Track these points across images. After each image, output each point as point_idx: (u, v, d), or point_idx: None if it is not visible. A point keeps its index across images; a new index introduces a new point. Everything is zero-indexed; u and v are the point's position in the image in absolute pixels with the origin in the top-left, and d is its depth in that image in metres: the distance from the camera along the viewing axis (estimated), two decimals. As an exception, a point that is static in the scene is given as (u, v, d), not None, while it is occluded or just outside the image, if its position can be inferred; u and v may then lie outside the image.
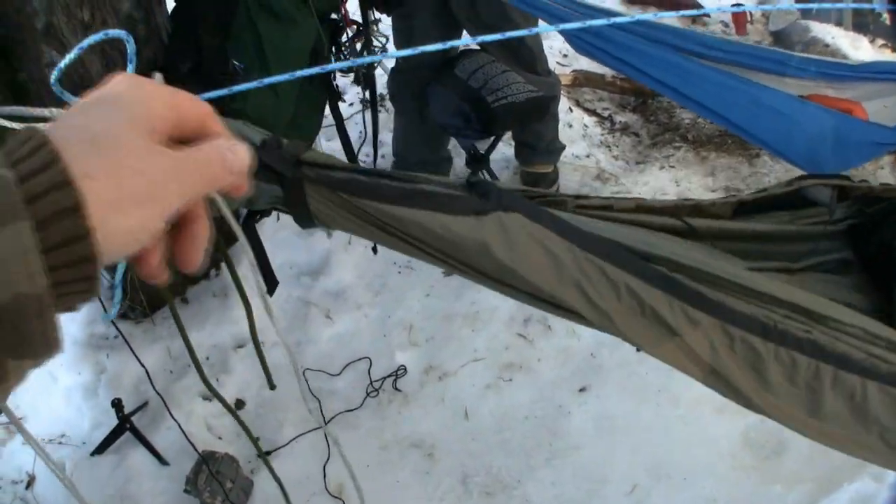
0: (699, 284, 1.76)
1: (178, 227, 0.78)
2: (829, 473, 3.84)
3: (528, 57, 4.84)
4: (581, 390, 4.21)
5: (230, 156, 0.78)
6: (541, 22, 3.95)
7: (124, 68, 2.81)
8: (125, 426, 3.93)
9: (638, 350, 1.91)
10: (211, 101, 1.98)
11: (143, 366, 3.56)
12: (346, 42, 4.28)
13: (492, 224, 1.55)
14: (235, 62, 3.39)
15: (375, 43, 4.40)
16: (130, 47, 1.07)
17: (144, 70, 1.94)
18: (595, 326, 1.79)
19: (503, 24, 4.52)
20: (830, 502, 3.75)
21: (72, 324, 4.54)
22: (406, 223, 1.48)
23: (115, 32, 1.06)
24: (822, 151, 3.74)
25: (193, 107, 0.81)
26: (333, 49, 4.24)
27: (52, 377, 4.35)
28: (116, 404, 3.87)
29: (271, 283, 3.95)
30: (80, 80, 3.29)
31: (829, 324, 1.90)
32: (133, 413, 4.03)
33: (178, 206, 0.72)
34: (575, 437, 4.05)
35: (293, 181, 1.34)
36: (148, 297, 4.56)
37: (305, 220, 1.50)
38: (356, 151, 4.34)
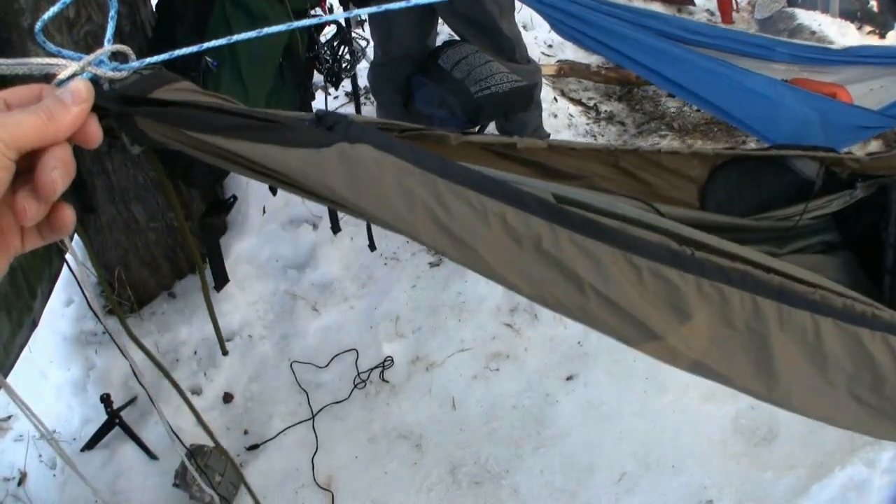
0: (597, 215, 1.52)
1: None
2: (821, 459, 3.83)
3: (507, 46, 4.85)
4: (568, 378, 4.21)
5: (55, 107, 0.93)
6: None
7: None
8: (114, 422, 3.93)
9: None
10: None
11: (143, 350, 3.55)
12: (324, 42, 4.28)
13: (332, 155, 1.40)
14: (209, 59, 3.39)
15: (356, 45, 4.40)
16: (113, 7, 1.09)
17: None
18: (464, 264, 1.52)
19: (477, 12, 4.54)
20: (822, 488, 3.73)
21: (61, 320, 4.55)
22: (240, 156, 1.37)
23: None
24: (807, 134, 3.74)
25: (24, 87, 0.98)
26: (315, 48, 4.24)
27: (42, 374, 4.35)
28: (105, 400, 3.87)
29: (222, 280, 3.95)
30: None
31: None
32: (122, 409, 4.03)
33: (7, 153, 0.87)
34: (562, 426, 4.05)
35: (120, 115, 1.29)
36: (136, 293, 4.56)
37: (150, 142, 1.42)
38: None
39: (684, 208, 2.31)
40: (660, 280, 1.52)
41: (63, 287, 4.53)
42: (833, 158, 2.46)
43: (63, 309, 4.62)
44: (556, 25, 3.90)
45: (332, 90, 4.89)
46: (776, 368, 1.65)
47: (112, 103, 1.17)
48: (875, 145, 6.08)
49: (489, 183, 1.45)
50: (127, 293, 4.53)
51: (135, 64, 1.13)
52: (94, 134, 1.01)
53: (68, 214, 0.98)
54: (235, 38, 1.28)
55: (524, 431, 4.04)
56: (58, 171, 0.91)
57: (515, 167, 1.96)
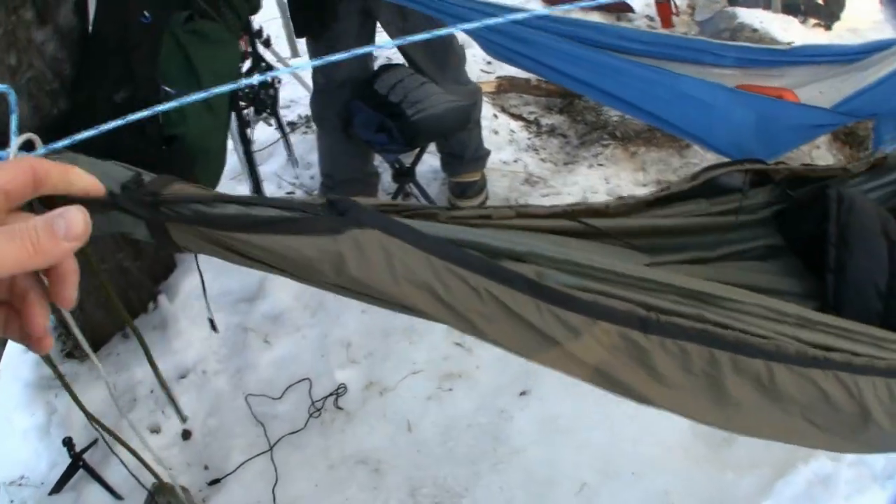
0: (570, 287, 1.79)
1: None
2: (784, 456, 3.84)
3: (455, 64, 4.89)
4: (522, 394, 4.24)
5: (44, 238, 0.80)
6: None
7: (51, 112, 2.82)
8: (78, 464, 3.94)
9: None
10: (150, 127, 2.10)
11: (82, 409, 3.56)
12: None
13: (347, 241, 1.59)
14: (166, 88, 3.42)
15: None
16: (12, 99, 1.10)
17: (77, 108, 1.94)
18: (461, 330, 1.83)
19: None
20: (786, 485, 3.74)
21: (22, 366, 4.55)
22: (262, 249, 1.53)
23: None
24: (748, 138, 3.74)
25: (16, 166, 0.85)
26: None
27: (7, 420, 4.35)
28: (68, 443, 3.89)
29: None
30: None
31: (725, 304, 1.91)
32: (84, 451, 4.04)
33: None
34: (519, 441, 4.06)
35: (152, 222, 1.42)
36: (91, 335, 4.56)
37: (174, 249, 1.59)
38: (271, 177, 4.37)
39: (616, 218, 2.43)
40: (628, 342, 1.78)
41: (22, 332, 4.53)
42: (760, 169, 2.55)
43: (23, 355, 4.62)
44: (486, 46, 3.91)
45: (272, 122, 4.93)
46: (731, 404, 1.87)
47: (142, 210, 1.26)
48: (823, 139, 6.11)
49: (481, 264, 1.71)
50: (84, 336, 4.53)
51: (41, 150, 1.13)
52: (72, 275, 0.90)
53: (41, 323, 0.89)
54: (188, 99, 1.35)
55: (481, 449, 4.05)
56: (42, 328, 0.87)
57: (499, 232, 2.09)
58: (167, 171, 1.63)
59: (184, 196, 1.52)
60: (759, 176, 2.60)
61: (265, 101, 4.45)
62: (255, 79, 1.98)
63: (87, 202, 0.87)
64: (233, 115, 4.24)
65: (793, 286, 2.55)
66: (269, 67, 4.43)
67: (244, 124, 4.30)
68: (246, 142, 4.32)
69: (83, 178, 0.90)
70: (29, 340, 0.89)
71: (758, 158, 2.60)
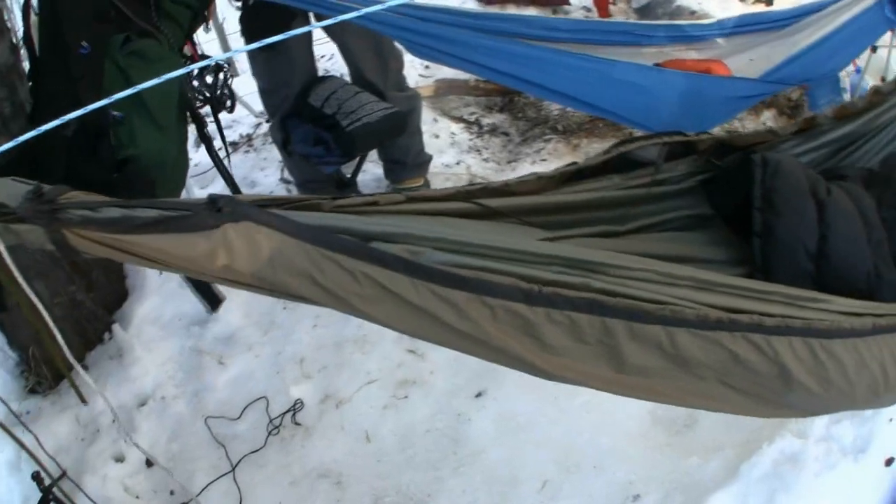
0: (448, 265, 1.81)
1: None
2: (748, 437, 3.84)
3: (396, 69, 4.95)
4: (478, 395, 4.25)
5: None
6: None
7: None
8: (48, 498, 3.95)
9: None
10: (104, 152, 2.16)
11: (43, 449, 3.56)
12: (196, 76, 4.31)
13: (220, 236, 1.66)
14: (114, 113, 3.42)
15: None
16: None
17: (18, 150, 1.97)
18: (344, 312, 1.87)
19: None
20: (752, 466, 3.71)
21: (-10, 403, 4.56)
22: (150, 248, 1.67)
23: None
24: (682, 115, 3.75)
25: None
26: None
27: (-22, 458, 4.36)
28: (36, 477, 3.89)
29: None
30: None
31: (612, 271, 1.94)
32: (53, 484, 4.04)
33: None
34: (479, 443, 4.07)
35: (50, 230, 1.49)
36: (51, 369, 4.56)
37: (75, 255, 1.67)
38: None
39: (516, 197, 2.47)
40: (511, 314, 1.81)
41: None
42: (682, 140, 2.58)
43: (-11, 392, 4.62)
44: (411, 47, 3.88)
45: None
46: (635, 372, 1.89)
47: (40, 219, 1.32)
48: (769, 116, 6.13)
49: (353, 246, 1.75)
50: (43, 371, 4.53)
51: None
52: None
53: None
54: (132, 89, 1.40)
55: (441, 454, 4.07)
56: None
57: (380, 217, 2.10)
58: (126, 194, 1.74)
59: (75, 202, 1.59)
60: (681, 147, 2.63)
61: (222, 98, 4.43)
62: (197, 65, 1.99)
63: None
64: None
65: (719, 254, 2.59)
66: (219, 67, 4.42)
67: (202, 125, 4.29)
68: (208, 140, 4.31)
69: None
70: None
71: (676, 130, 2.63)
